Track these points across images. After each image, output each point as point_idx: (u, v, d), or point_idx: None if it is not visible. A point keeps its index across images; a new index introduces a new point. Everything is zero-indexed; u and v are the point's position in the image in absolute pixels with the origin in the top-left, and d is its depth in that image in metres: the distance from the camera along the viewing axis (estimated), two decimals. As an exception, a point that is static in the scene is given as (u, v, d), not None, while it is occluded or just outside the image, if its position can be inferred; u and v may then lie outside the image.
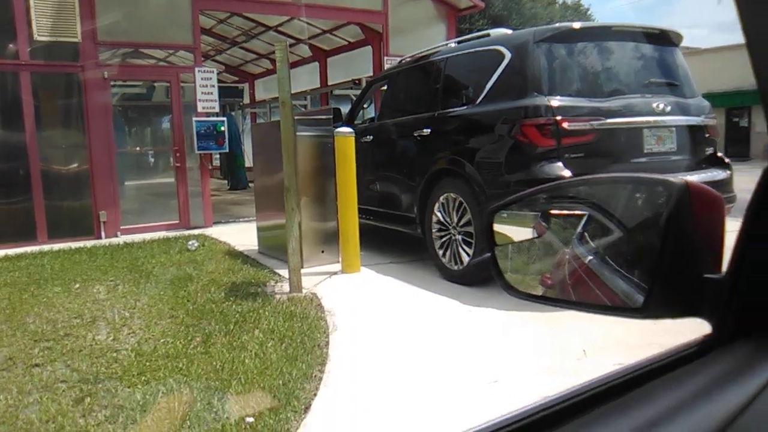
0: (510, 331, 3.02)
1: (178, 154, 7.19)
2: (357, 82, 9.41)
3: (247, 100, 14.69)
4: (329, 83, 10.80)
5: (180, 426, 2.14)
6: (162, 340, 3.09)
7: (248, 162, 11.76)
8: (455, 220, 3.99)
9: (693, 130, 3.77)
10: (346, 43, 9.94)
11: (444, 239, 4.13)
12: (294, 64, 10.09)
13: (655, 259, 0.58)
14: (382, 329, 3.20)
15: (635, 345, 2.38)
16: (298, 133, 4.46)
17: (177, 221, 7.19)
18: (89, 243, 6.16)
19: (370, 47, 9.00)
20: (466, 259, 3.88)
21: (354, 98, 7.85)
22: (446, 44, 4.93)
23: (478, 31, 5.03)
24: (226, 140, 7.29)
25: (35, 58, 6.32)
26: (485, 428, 0.52)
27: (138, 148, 8.55)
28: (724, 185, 3.66)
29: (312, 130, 4.71)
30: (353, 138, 4.38)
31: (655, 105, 3.58)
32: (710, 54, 18.86)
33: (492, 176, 3.66)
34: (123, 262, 5.17)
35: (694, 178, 3.39)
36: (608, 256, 0.68)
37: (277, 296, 3.86)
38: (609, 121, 3.46)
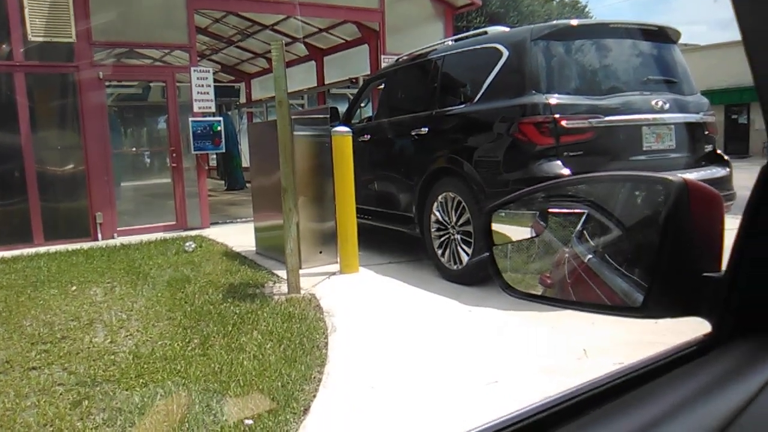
0: (510, 330, 3.02)
1: (174, 155, 7.17)
2: (354, 80, 9.40)
3: (243, 99, 14.67)
4: (326, 82, 10.78)
5: (178, 429, 2.13)
6: (160, 342, 3.08)
7: (245, 162, 11.75)
8: (454, 219, 3.98)
9: (692, 127, 3.77)
10: (343, 41, 9.92)
11: (443, 239, 4.12)
12: (290, 63, 10.08)
13: (654, 257, 0.58)
14: (382, 330, 3.19)
15: (636, 344, 2.38)
16: (295, 133, 4.46)
17: (174, 222, 7.18)
18: (86, 245, 6.14)
19: (366, 46, 8.99)
20: (465, 258, 3.88)
21: (351, 97, 7.84)
22: (443, 42, 4.93)
23: (476, 28, 5.03)
24: (223, 140, 7.27)
25: (29, 58, 6.30)
26: (486, 429, 0.51)
27: (134, 149, 8.53)
28: (724, 183, 3.66)
29: (309, 129, 4.70)
30: (350, 137, 4.37)
31: (653, 102, 3.58)
32: (709, 51, 18.92)
33: (490, 175, 3.65)
34: (120, 263, 5.15)
35: (694, 175, 3.39)
36: (607, 255, 0.67)
37: (276, 297, 3.85)
38: (607, 118, 3.45)
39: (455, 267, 3.99)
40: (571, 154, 3.41)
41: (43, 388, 2.56)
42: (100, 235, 6.58)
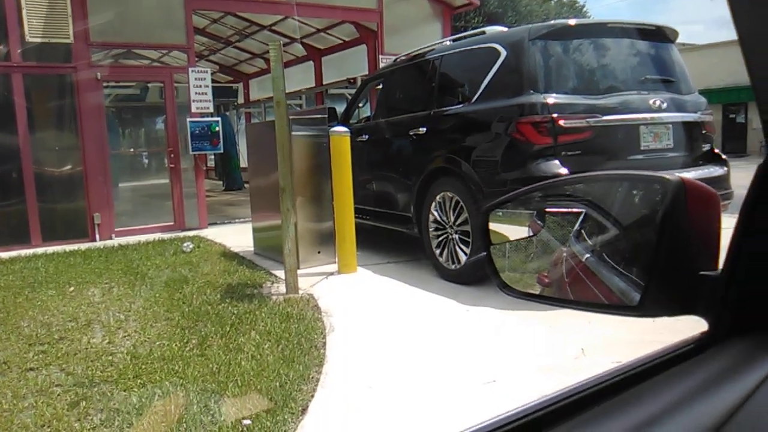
0: (507, 330, 3.02)
1: (172, 155, 7.16)
2: (352, 81, 9.40)
3: (241, 100, 14.65)
4: (324, 82, 10.78)
5: (176, 429, 2.13)
6: (158, 343, 3.08)
7: (243, 162, 11.74)
8: (452, 219, 3.98)
9: (690, 126, 3.77)
10: (341, 41, 9.92)
11: (441, 238, 4.13)
12: (288, 64, 10.06)
13: (651, 256, 0.58)
14: (380, 330, 3.19)
15: (633, 342, 2.38)
16: (293, 133, 4.46)
17: (172, 223, 7.16)
18: (83, 245, 6.13)
19: (364, 46, 8.98)
20: (463, 258, 3.88)
21: (349, 97, 7.84)
22: (442, 42, 4.93)
23: (474, 28, 5.04)
24: (221, 141, 7.26)
25: (27, 59, 6.28)
26: (484, 427, 0.51)
27: (132, 150, 8.51)
28: (721, 182, 3.67)
29: (307, 129, 4.70)
30: (349, 137, 4.36)
31: (651, 102, 3.58)
32: (707, 50, 18.95)
33: (488, 175, 3.65)
34: (118, 264, 5.14)
35: (691, 174, 3.40)
36: (605, 254, 0.67)
37: (274, 297, 3.85)
38: (605, 118, 3.46)
39: (453, 266, 3.99)
40: (569, 153, 3.41)
41: (40, 389, 2.56)
42: (97, 236, 6.57)
